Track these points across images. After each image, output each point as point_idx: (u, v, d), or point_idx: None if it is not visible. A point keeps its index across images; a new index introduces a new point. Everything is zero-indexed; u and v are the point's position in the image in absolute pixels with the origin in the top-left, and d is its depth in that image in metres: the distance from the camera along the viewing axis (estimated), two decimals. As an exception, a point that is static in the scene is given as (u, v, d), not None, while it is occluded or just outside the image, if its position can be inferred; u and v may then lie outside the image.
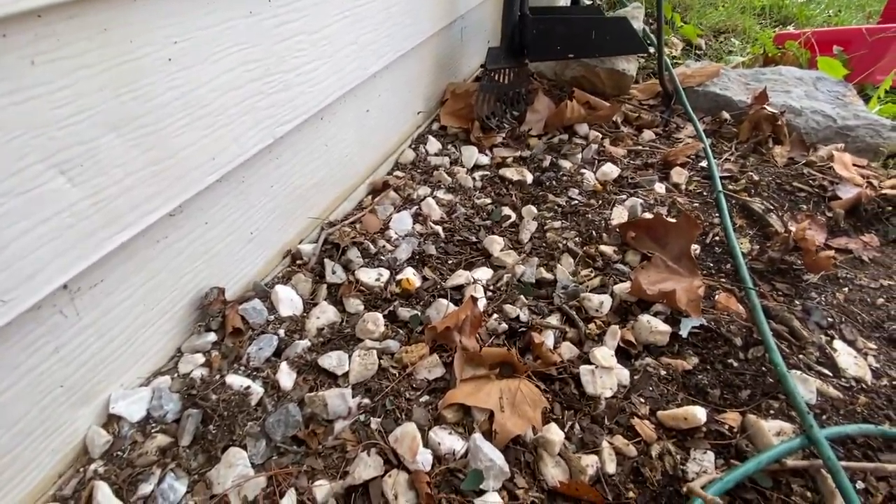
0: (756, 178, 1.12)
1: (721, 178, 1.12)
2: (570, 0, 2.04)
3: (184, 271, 0.66)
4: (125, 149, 0.53)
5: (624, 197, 1.08)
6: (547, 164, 1.20)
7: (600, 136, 1.29)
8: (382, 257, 0.89)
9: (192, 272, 0.67)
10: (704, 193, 1.10)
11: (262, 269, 0.80)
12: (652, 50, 1.63)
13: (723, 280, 0.89)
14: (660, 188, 1.10)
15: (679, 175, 1.14)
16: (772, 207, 1.05)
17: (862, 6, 2.70)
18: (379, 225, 0.97)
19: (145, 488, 0.55)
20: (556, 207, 1.07)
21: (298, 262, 0.85)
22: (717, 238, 0.98)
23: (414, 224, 0.99)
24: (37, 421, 0.52)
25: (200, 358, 0.66)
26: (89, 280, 0.53)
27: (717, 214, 1.03)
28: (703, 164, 1.19)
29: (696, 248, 0.95)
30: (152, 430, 0.59)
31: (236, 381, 0.64)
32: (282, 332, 0.72)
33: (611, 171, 1.14)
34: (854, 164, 1.15)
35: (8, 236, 0.44)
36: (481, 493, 0.58)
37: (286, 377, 0.66)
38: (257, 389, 0.64)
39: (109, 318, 0.57)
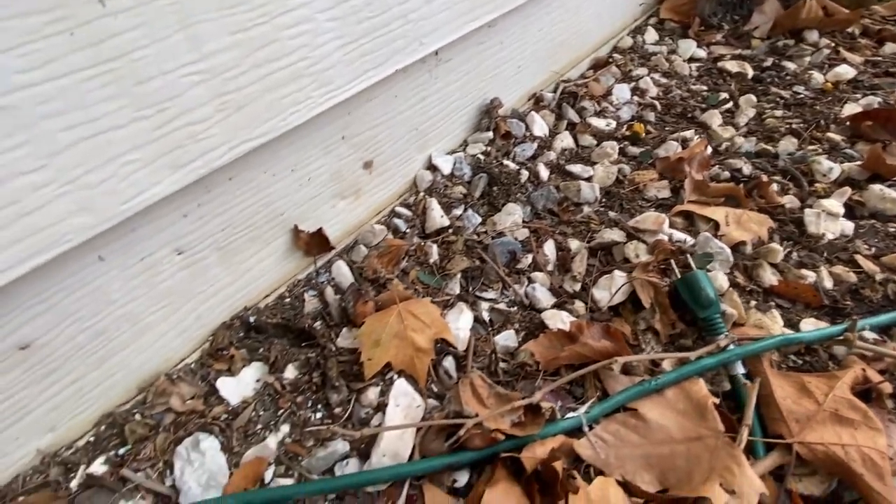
0: None
1: None
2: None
3: (482, 77, 0.86)
4: (490, -45, 0.71)
5: (858, 96, 1.04)
6: (769, 63, 1.19)
7: (832, 44, 1.23)
8: (607, 115, 1.02)
9: (485, 81, 0.87)
10: (962, 102, 1.01)
11: (516, 103, 0.99)
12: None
13: (974, 175, 0.85)
14: (905, 92, 1.04)
15: (932, 82, 1.06)
16: None
17: None
18: (602, 91, 1.09)
19: (456, 212, 0.78)
20: (777, 99, 1.08)
21: (541, 103, 1.01)
22: (972, 139, 0.92)
23: (632, 96, 1.10)
24: (402, 145, 0.76)
25: (482, 147, 0.87)
26: (446, 55, 0.75)
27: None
28: (964, 77, 1.07)
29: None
30: (456, 182, 0.82)
31: (510, 164, 0.84)
32: (535, 144, 0.90)
33: (845, 72, 1.10)
34: None
35: (434, -5, 0.65)
36: (709, 271, 0.70)
37: (543, 171, 0.84)
38: (524, 173, 0.83)
39: (445, 92, 0.79)
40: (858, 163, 0.87)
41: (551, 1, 0.93)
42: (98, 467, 0.50)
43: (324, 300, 0.66)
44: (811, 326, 0.66)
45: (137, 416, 0.54)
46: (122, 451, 0.52)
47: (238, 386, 0.56)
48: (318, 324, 0.63)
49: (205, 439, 0.52)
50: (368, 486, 0.50)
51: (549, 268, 0.73)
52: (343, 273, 0.69)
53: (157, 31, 0.42)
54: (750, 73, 1.19)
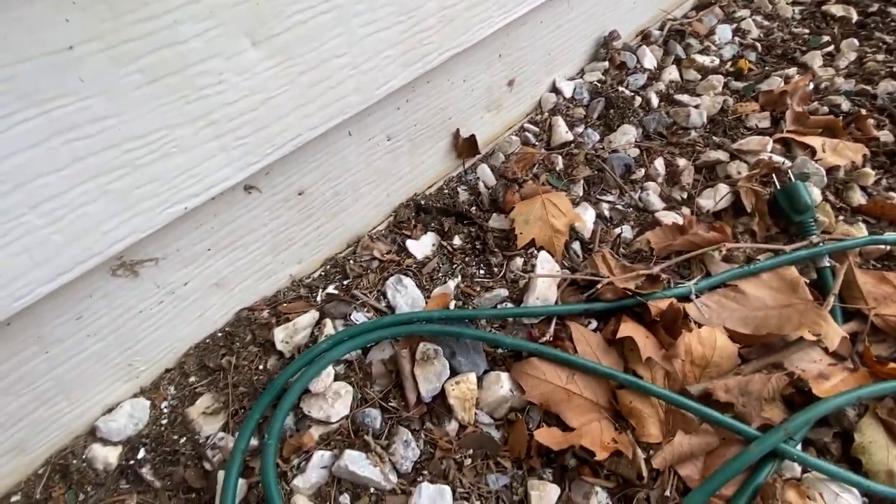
0: None
1: None
2: None
3: (604, 11, 0.96)
4: None
5: (968, 41, 1.06)
6: (874, 9, 1.20)
7: (947, -10, 1.22)
8: (710, 53, 1.10)
9: (605, 15, 0.97)
10: None
11: (627, 38, 1.07)
12: None
13: None
14: None
15: None
16: None
17: None
18: (705, 30, 1.16)
19: (577, 130, 0.91)
20: (880, 44, 1.11)
21: (649, 39, 1.10)
22: None
23: (734, 37, 1.16)
24: (536, 68, 0.89)
25: (598, 75, 0.98)
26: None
27: None
28: None
29: None
30: (576, 105, 0.94)
31: (625, 91, 0.95)
32: (645, 76, 1.00)
33: (957, 18, 1.11)
34: None
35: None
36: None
37: (654, 98, 0.95)
38: (637, 99, 0.94)
39: (575, 22, 0.90)
40: (958, 104, 0.93)
41: (672, -61, 0.99)
42: (332, 290, 0.69)
43: (476, 192, 0.82)
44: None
45: (351, 262, 0.72)
46: (345, 282, 0.71)
47: (420, 247, 0.74)
48: (473, 209, 0.79)
49: (404, 278, 0.70)
50: (524, 319, 0.68)
51: (659, 180, 0.86)
52: (486, 174, 0.84)
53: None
54: (854, 17, 1.21)
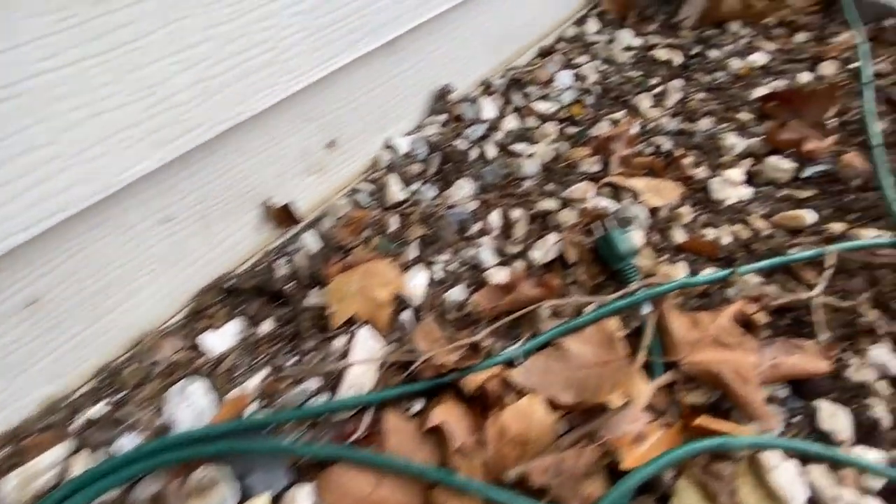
0: (910, 77, 1.16)
1: (874, 75, 1.18)
2: None
3: (435, 65, 0.95)
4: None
5: (768, 80, 1.19)
6: (695, 52, 1.32)
7: (753, 32, 1.37)
8: (550, 99, 1.13)
9: (437, 68, 0.96)
10: (852, 85, 1.17)
11: (468, 88, 1.08)
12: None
13: (853, 148, 1.00)
14: (806, 77, 1.19)
15: (828, 68, 1.21)
16: (920, 101, 1.10)
17: None
18: (547, 77, 1.20)
19: (413, 187, 0.87)
20: (700, 84, 1.22)
21: (490, 89, 1.11)
22: (855, 117, 1.07)
23: (574, 81, 1.21)
24: (362, 126, 0.85)
25: (436, 129, 0.97)
26: (400, 45, 0.83)
27: (860, 103, 1.11)
28: (857, 64, 1.24)
29: (833, 122, 1.06)
30: (412, 161, 0.91)
31: (460, 144, 0.93)
32: (485, 126, 1.00)
33: (758, 59, 1.24)
34: None
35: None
36: (628, 231, 0.82)
37: (492, 150, 0.95)
38: (474, 152, 0.93)
39: (400, 78, 0.88)
40: (762, 138, 1.02)
41: (497, -4, 1.02)
42: (101, 408, 0.58)
43: (294, 266, 0.74)
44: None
45: (133, 367, 0.61)
46: (120, 395, 0.59)
47: (221, 338, 0.65)
48: (290, 285, 0.72)
49: (192, 383, 0.60)
50: (335, 415, 0.60)
51: (494, 234, 0.84)
52: (312, 242, 0.78)
53: (143, 27, 0.49)
54: (678, 60, 1.32)
